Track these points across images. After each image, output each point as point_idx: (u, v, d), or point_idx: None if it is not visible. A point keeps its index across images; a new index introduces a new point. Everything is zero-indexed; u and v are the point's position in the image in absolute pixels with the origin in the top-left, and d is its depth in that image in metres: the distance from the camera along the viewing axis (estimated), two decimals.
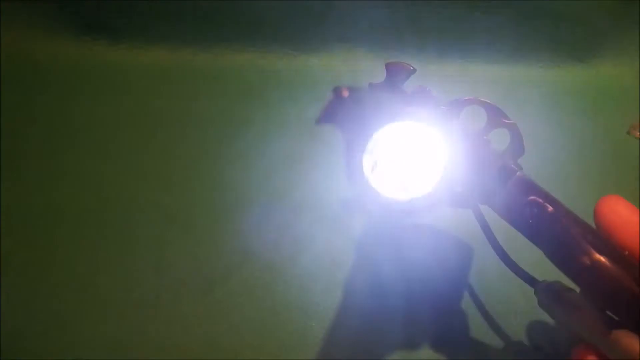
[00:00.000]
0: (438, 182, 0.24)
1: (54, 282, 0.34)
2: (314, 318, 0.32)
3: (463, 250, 0.35)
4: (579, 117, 0.45)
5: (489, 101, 0.25)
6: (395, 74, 0.25)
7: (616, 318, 0.22)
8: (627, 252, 0.23)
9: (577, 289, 0.24)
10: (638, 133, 0.51)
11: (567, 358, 0.24)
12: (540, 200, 0.24)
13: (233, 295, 0.33)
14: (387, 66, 0.25)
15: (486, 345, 0.31)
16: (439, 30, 0.54)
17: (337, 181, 0.39)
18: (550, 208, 0.24)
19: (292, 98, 0.45)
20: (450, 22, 0.54)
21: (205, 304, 0.32)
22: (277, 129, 0.44)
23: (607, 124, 0.45)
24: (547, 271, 0.24)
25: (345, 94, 0.24)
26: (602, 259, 0.22)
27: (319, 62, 0.48)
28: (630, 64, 0.58)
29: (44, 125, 0.44)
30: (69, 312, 0.32)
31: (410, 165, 0.25)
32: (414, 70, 0.25)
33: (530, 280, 0.27)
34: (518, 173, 0.25)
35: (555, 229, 0.23)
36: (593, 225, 0.23)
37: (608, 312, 0.23)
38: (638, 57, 0.58)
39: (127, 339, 0.31)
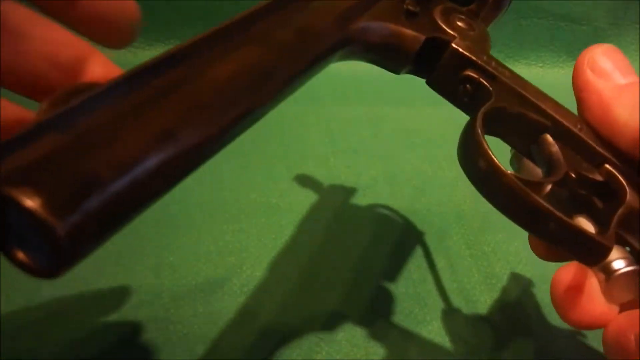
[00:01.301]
0: None
1: (54, 282, 0.34)
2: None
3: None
4: None
5: None
6: None
7: None
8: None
9: None
10: None
11: None
12: (475, 76, 0.22)
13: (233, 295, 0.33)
14: None
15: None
16: None
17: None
18: (486, 84, 0.22)
19: (293, 97, 0.45)
20: None
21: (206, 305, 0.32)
22: (277, 128, 0.44)
23: None
24: None
25: None
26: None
27: None
28: (630, 64, 0.58)
29: None
30: (69, 312, 0.32)
31: None
32: None
33: None
34: (453, 43, 0.22)
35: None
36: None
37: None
38: (638, 57, 0.58)
39: (128, 339, 0.31)
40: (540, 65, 0.57)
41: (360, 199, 0.39)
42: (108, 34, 0.20)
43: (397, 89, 0.49)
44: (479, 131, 0.20)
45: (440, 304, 0.34)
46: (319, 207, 0.38)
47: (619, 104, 0.21)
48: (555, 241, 0.21)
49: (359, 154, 0.44)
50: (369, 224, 0.38)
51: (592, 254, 0.20)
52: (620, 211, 0.21)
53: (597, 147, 0.22)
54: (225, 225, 0.36)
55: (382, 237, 0.37)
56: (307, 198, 0.39)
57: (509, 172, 0.19)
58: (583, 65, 0.23)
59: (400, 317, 0.33)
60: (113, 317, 0.32)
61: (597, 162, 0.22)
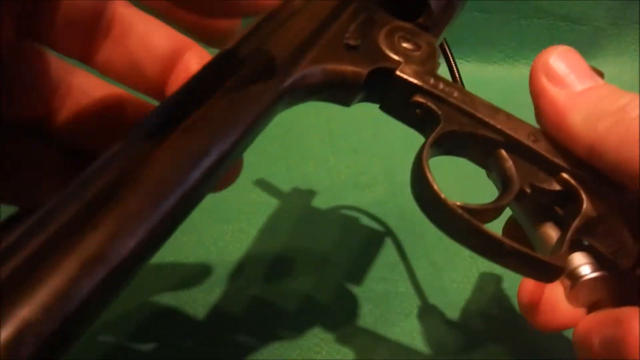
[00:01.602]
0: None
1: None
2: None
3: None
4: None
5: None
6: None
7: None
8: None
9: None
10: None
11: None
12: (423, 101, 0.22)
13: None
14: None
15: None
16: None
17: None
18: (434, 109, 0.22)
19: None
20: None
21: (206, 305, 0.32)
22: (277, 128, 0.44)
23: None
24: None
25: None
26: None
27: None
28: (630, 63, 0.58)
29: None
30: None
31: None
32: None
33: None
34: (397, 71, 0.22)
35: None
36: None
37: None
38: (638, 57, 0.58)
39: (128, 339, 0.31)
40: None
41: (361, 199, 0.39)
42: (209, 33, 0.21)
43: None
44: (425, 165, 0.21)
45: (442, 303, 0.34)
46: (319, 207, 0.38)
47: (573, 112, 0.21)
48: (508, 265, 0.21)
49: (359, 154, 0.44)
50: (369, 223, 0.38)
51: (546, 275, 0.21)
52: (576, 223, 0.21)
53: (552, 157, 0.22)
54: (225, 225, 0.36)
55: (382, 236, 0.37)
56: (307, 198, 0.39)
57: (452, 202, 0.20)
58: (537, 71, 0.22)
59: (401, 316, 0.33)
60: (113, 317, 0.32)
61: (553, 171, 0.22)
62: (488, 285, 0.35)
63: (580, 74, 0.22)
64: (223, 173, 0.18)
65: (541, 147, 0.22)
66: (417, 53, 0.23)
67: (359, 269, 0.35)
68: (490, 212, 0.21)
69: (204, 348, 0.30)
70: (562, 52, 0.22)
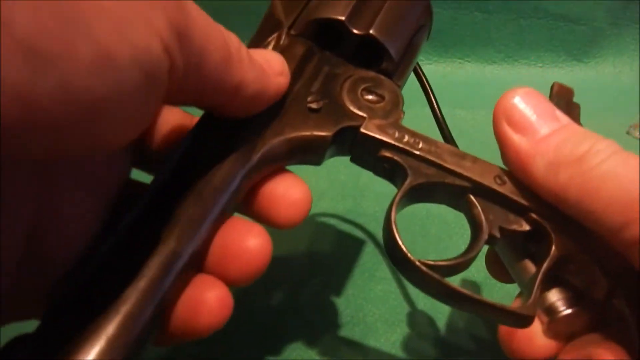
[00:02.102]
0: None
1: None
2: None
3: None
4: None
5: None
6: None
7: None
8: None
9: None
10: (638, 133, 0.51)
11: None
12: (389, 156, 0.22)
13: None
14: None
15: None
16: (438, 30, 0.54)
17: None
18: (401, 162, 0.22)
19: None
20: (448, 22, 0.54)
21: None
22: None
23: (607, 124, 0.45)
24: None
25: None
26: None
27: None
28: (630, 63, 0.58)
29: None
30: None
31: None
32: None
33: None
34: (361, 128, 0.22)
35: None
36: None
37: None
38: (638, 57, 0.58)
39: None
40: (540, 65, 0.57)
41: (361, 199, 0.39)
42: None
43: None
44: (393, 223, 0.21)
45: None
46: (319, 207, 0.38)
47: (535, 161, 0.21)
48: (480, 315, 0.22)
49: None
50: (369, 223, 0.38)
51: (518, 323, 0.21)
52: (544, 267, 0.21)
53: (519, 199, 0.22)
54: None
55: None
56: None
57: (416, 261, 0.20)
58: (499, 117, 0.22)
59: (401, 317, 0.33)
60: None
61: (522, 211, 0.22)
62: (488, 285, 0.35)
63: (543, 116, 0.21)
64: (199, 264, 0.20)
65: (508, 190, 0.22)
66: (381, 104, 0.23)
67: (359, 269, 0.35)
68: (460, 265, 0.22)
69: (203, 348, 0.30)
70: (524, 94, 0.22)
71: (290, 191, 0.22)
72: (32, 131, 0.12)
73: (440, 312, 0.33)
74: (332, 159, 0.24)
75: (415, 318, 0.33)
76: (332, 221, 0.38)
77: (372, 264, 0.35)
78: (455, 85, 0.52)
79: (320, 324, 0.32)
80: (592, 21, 0.56)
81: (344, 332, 0.32)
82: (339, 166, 0.42)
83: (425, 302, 0.33)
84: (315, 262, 0.35)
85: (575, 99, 0.26)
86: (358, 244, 0.37)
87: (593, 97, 0.49)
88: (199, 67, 0.17)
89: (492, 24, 0.55)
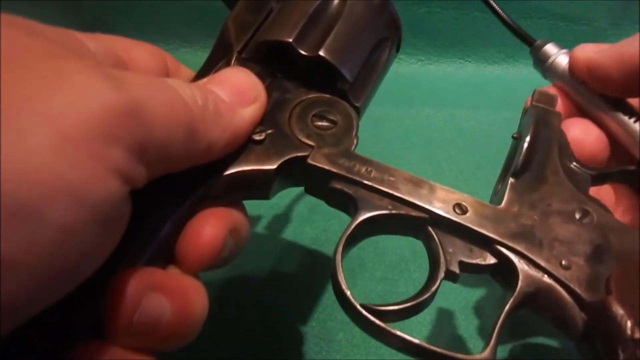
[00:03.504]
0: None
1: None
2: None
3: None
4: None
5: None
6: None
7: None
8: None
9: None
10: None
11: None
12: (339, 187, 0.21)
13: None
14: None
15: None
16: (438, 30, 0.54)
17: None
18: (351, 194, 0.21)
19: None
20: (449, 22, 0.54)
21: None
22: None
23: None
24: None
25: None
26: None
27: None
28: None
29: None
30: None
31: None
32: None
33: (525, 38, 0.28)
34: (308, 159, 0.21)
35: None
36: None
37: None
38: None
39: None
40: None
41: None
42: None
43: (397, 89, 0.49)
44: (337, 265, 0.20)
45: (443, 303, 0.34)
46: (319, 207, 0.38)
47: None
48: None
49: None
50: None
51: None
52: (508, 306, 0.20)
53: (482, 230, 0.20)
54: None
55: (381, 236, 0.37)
56: (307, 198, 0.39)
57: (357, 304, 0.19)
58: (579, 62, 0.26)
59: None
60: None
61: (486, 243, 0.21)
62: (488, 286, 0.35)
63: None
64: None
65: (469, 220, 0.21)
66: (332, 131, 0.22)
67: (359, 269, 0.35)
68: (413, 308, 0.20)
69: (204, 348, 0.30)
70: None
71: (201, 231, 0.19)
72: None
73: (440, 313, 0.33)
74: None
75: (416, 318, 0.33)
76: (332, 221, 0.38)
77: (372, 264, 0.35)
78: (455, 85, 0.52)
79: (321, 324, 0.32)
80: (592, 21, 0.56)
81: (344, 332, 0.31)
82: None
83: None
84: (315, 262, 0.35)
85: (579, 163, 0.25)
86: (358, 244, 0.37)
87: None
88: (164, 159, 0.16)
89: (492, 24, 0.55)
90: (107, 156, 0.14)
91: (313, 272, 0.35)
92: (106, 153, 0.14)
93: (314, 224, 0.37)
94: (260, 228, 0.36)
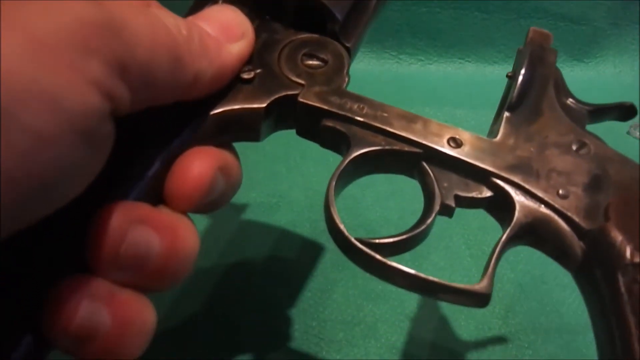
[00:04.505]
0: None
1: None
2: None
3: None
4: None
5: None
6: None
7: None
8: None
9: None
10: (638, 133, 0.51)
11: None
12: (331, 125, 0.21)
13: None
14: None
15: None
16: (438, 30, 0.54)
17: None
18: (343, 132, 0.21)
19: None
20: (449, 22, 0.54)
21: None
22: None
23: (607, 124, 0.45)
24: None
25: None
26: None
27: None
28: (630, 63, 0.58)
29: None
30: None
31: None
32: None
33: None
34: (299, 97, 0.21)
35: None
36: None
37: None
38: (638, 57, 0.58)
39: None
40: None
41: (361, 199, 0.39)
42: None
43: (397, 89, 0.49)
44: (330, 202, 0.20)
45: (443, 303, 0.34)
46: (319, 207, 0.38)
47: None
48: (431, 296, 0.20)
49: None
50: (370, 222, 0.38)
51: (475, 302, 0.20)
52: (505, 236, 0.20)
53: (478, 163, 0.20)
54: (226, 225, 0.36)
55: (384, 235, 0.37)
56: (307, 198, 0.39)
57: (352, 238, 0.19)
58: None
59: (401, 317, 0.33)
60: None
61: (482, 176, 0.20)
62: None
63: None
64: None
65: (465, 153, 0.20)
66: (323, 69, 0.21)
67: (360, 269, 0.35)
68: (408, 241, 0.20)
69: (203, 349, 0.30)
70: None
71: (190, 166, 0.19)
72: None
73: (441, 313, 0.33)
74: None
75: (416, 318, 0.33)
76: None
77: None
78: (455, 85, 0.52)
79: (321, 324, 0.32)
80: (592, 21, 0.56)
81: (344, 332, 0.32)
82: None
83: (426, 302, 0.33)
84: (315, 262, 0.35)
85: (575, 99, 0.25)
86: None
87: (593, 97, 0.48)
88: (149, 84, 0.16)
89: (492, 24, 0.55)
90: (84, 67, 0.14)
91: (313, 272, 0.35)
92: (83, 64, 0.14)
93: (314, 217, 0.37)
94: (261, 218, 0.37)
